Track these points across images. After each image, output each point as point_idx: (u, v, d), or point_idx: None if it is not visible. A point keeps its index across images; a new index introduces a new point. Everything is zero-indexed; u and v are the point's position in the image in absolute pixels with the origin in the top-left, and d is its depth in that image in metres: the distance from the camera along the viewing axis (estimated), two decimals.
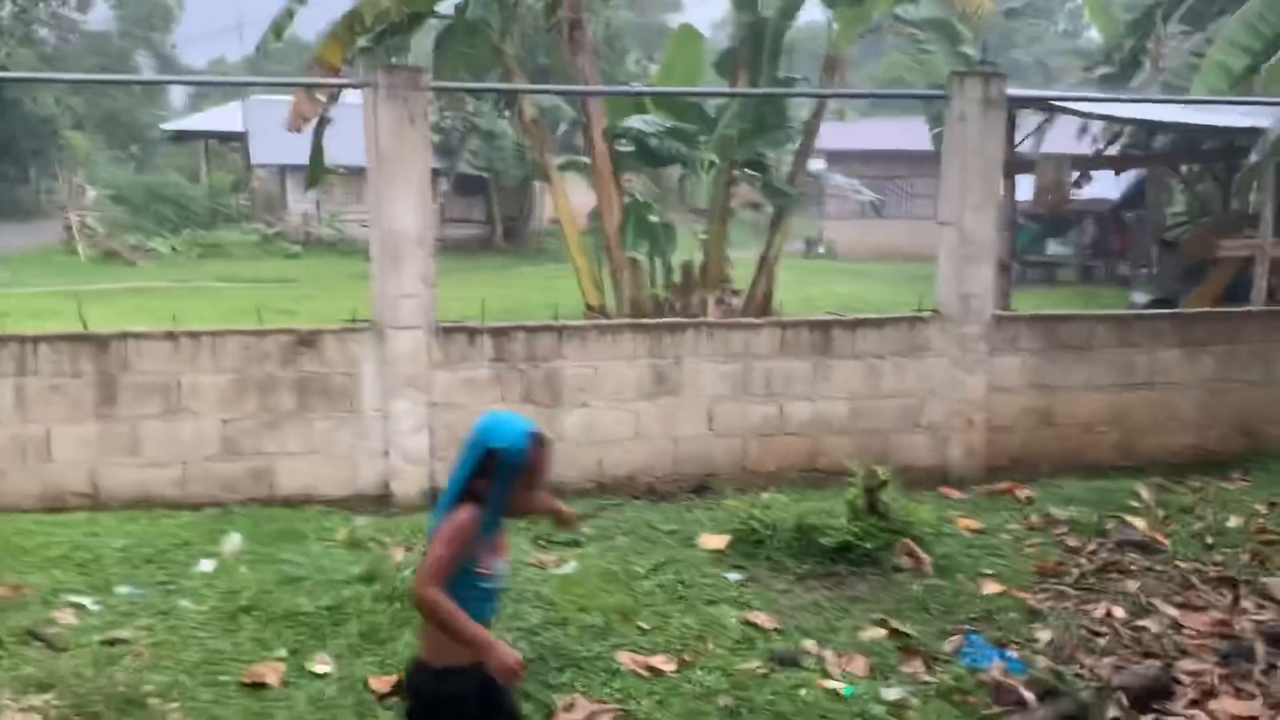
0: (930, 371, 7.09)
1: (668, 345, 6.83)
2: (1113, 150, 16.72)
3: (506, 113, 26.76)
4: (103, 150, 43.90)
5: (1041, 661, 4.30)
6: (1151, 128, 13.88)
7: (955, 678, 4.17)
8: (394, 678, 4.11)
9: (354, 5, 10.12)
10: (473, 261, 24.04)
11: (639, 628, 4.60)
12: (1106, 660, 4.31)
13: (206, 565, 5.28)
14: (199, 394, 6.29)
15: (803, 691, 4.06)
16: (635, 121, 11.74)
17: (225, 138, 33.90)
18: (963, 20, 12.10)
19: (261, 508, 6.25)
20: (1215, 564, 5.40)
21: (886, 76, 37.48)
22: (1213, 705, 3.96)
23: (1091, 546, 5.67)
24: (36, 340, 6.17)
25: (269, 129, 24.58)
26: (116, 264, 23.43)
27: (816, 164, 25.86)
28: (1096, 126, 16.71)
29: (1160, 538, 5.75)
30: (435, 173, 27.12)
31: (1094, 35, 25.62)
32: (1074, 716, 3.93)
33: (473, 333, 6.61)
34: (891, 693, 4.08)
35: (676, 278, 12.62)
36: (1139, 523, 5.95)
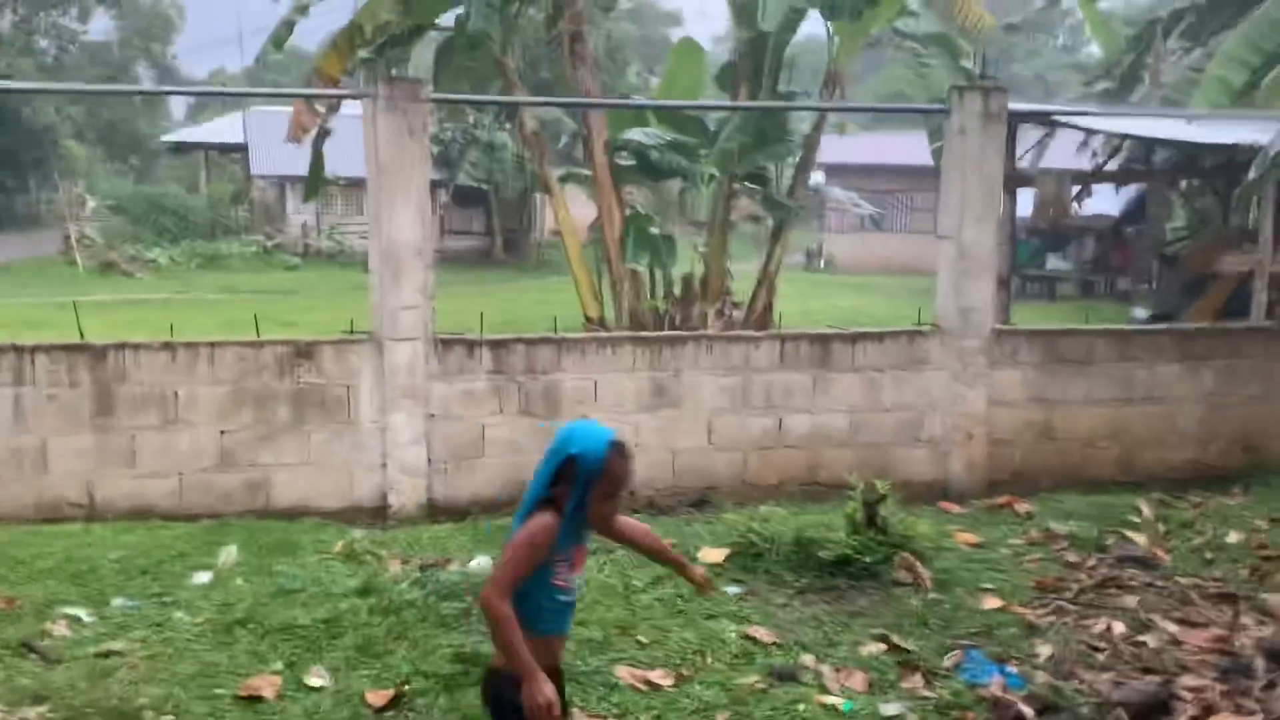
0: (930, 385, 7.08)
1: (667, 358, 6.82)
2: (1113, 165, 16.74)
3: (507, 125, 26.84)
4: (103, 161, 43.99)
5: (1041, 677, 4.28)
6: (1151, 143, 13.90)
7: (954, 693, 4.14)
8: (390, 691, 4.09)
9: (354, 17, 10.15)
10: (472, 273, 24.07)
11: (637, 642, 4.58)
12: (1106, 676, 4.29)
13: (202, 577, 5.26)
14: (196, 405, 6.28)
15: (801, 707, 4.04)
16: (636, 134, 11.75)
17: (225, 149, 34.02)
18: (963, 35, 12.13)
19: (258, 520, 6.23)
20: (1215, 580, 5.38)
21: (887, 91, 37.60)
22: None
23: (1091, 562, 5.64)
24: (34, 350, 6.16)
25: (269, 140, 24.69)
26: (114, 275, 23.45)
27: (817, 177, 25.92)
28: (1097, 141, 16.73)
29: (1160, 553, 5.73)
30: (435, 184, 27.25)
31: (1094, 50, 25.74)
32: None
33: (471, 345, 6.60)
34: (890, 708, 4.05)
35: (677, 290, 12.62)
36: (1139, 538, 5.93)
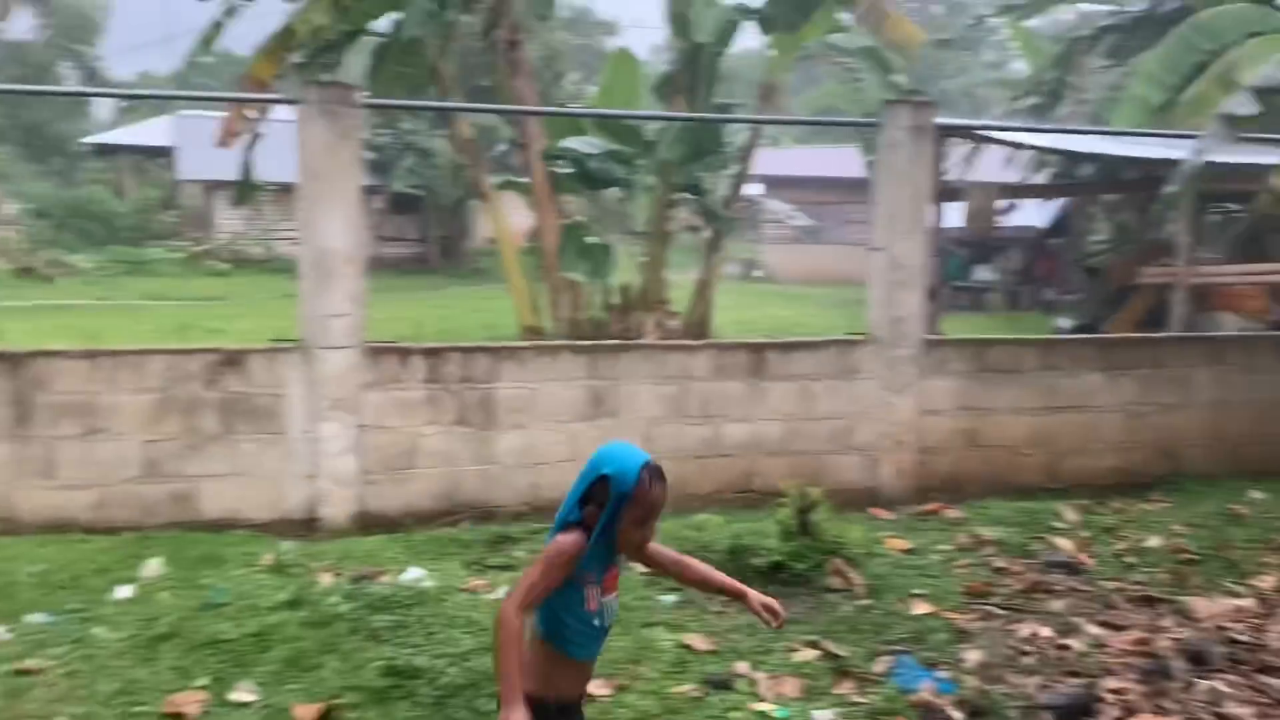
0: (862, 394, 7.17)
1: (605, 367, 6.82)
2: (1039, 179, 17.17)
3: (443, 131, 26.64)
4: (24, 163, 42.67)
5: (970, 681, 4.35)
6: (1076, 157, 14.29)
7: (886, 698, 4.19)
8: (320, 705, 4.02)
9: (287, 21, 10.01)
10: (407, 281, 23.83)
11: None
12: (1033, 680, 4.38)
13: (124, 591, 5.11)
14: (119, 415, 6.11)
15: (735, 715, 4.05)
16: (574, 143, 11.75)
17: (152, 152, 33.23)
18: (894, 50, 12.36)
19: (184, 532, 6.08)
20: (1137, 583, 5.52)
21: (821, 104, 38.08)
22: None
23: (1018, 567, 5.76)
24: None
25: (197, 144, 24.13)
26: (33, 280, 22.77)
27: (754, 189, 26.14)
28: (1023, 156, 17.14)
29: (1084, 558, 5.87)
30: (369, 190, 26.92)
31: (1020, 66, 26.35)
32: None
33: (405, 353, 6.53)
34: (823, 715, 4.09)
35: (615, 300, 12.63)
36: (1064, 543, 6.07)
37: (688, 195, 12.71)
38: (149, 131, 33.58)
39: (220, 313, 17.73)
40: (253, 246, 28.87)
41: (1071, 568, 5.71)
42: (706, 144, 11.62)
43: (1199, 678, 4.40)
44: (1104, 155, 12.38)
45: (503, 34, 11.71)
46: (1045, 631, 4.86)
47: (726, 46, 11.97)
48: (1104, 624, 4.99)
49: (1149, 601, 5.27)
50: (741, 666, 4.47)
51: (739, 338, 7.77)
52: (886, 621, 4.97)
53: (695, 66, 11.90)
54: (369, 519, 6.43)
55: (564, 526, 2.67)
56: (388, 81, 11.35)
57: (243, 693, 4.14)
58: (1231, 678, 4.41)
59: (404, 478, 6.52)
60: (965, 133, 13.78)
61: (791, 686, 4.30)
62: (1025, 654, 4.65)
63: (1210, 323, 12.22)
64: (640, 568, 3.02)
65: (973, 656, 4.60)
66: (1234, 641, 4.76)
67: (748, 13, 11.82)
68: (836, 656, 4.57)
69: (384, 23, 11.47)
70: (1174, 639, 4.77)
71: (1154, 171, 11.32)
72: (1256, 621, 5.02)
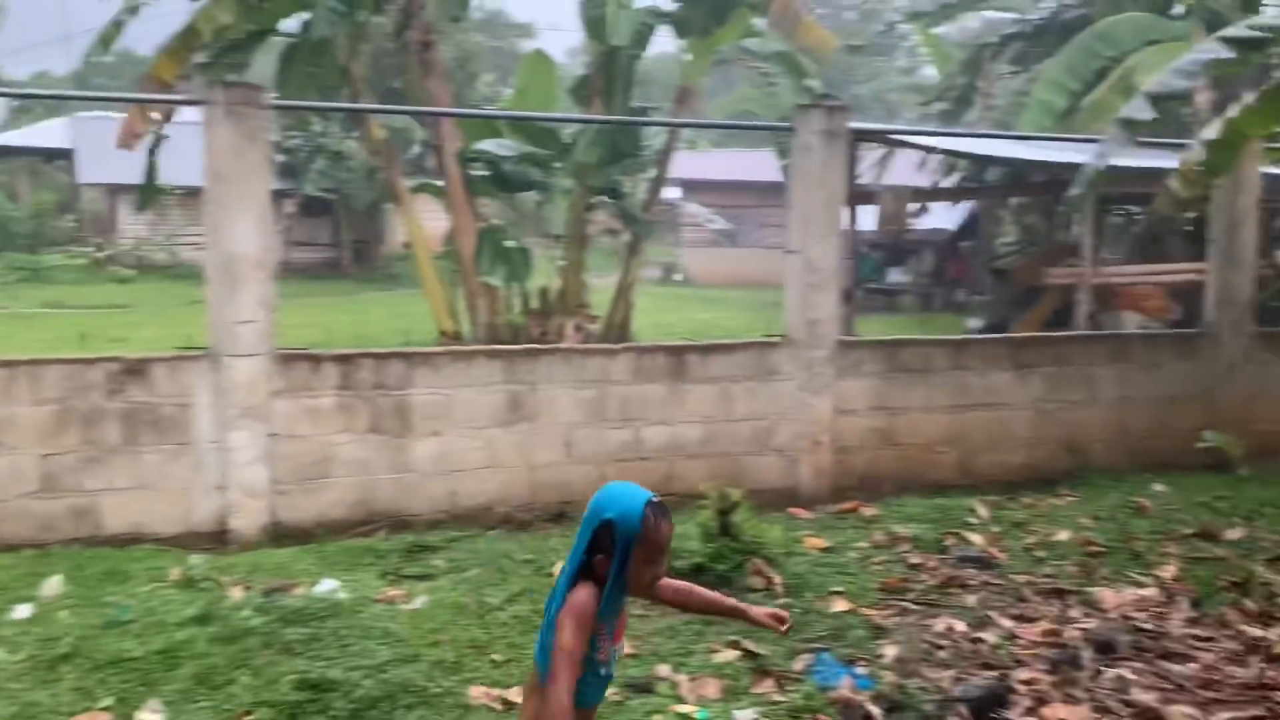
0: (780, 395, 7.24)
1: (524, 372, 6.76)
2: (949, 183, 17.57)
3: (355, 133, 26.21)
4: None
5: (888, 677, 4.41)
6: (984, 161, 14.65)
7: (806, 696, 4.22)
8: None
9: (190, 20, 9.73)
10: (319, 286, 23.38)
11: (492, 661, 4.50)
12: (948, 673, 4.45)
13: (22, 611, 4.90)
14: (15, 427, 5.86)
15: (656, 718, 4.04)
16: (489, 145, 11.65)
17: (50, 155, 32.03)
18: (807, 55, 12.53)
19: (86, 548, 5.85)
20: (1046, 576, 5.66)
21: (737, 108, 38.44)
22: (1045, 712, 4.13)
23: (933, 563, 5.87)
24: None
25: (98, 147, 23.35)
26: None
27: (672, 192, 26.24)
28: (934, 160, 17.52)
29: (996, 552, 6.00)
30: (279, 194, 26.37)
31: (930, 72, 26.97)
32: None
33: (317, 360, 6.39)
34: (744, 715, 4.10)
35: (533, 304, 12.55)
36: (976, 538, 6.20)
37: (606, 198, 12.71)
38: (45, 133, 32.35)
39: (124, 320, 17.19)
40: (158, 252, 28.05)
41: (984, 562, 5.83)
42: (624, 147, 11.63)
43: (1106, 666, 4.53)
44: (1011, 159, 12.71)
45: (414, 35, 11.55)
46: (959, 625, 4.95)
47: (643, 50, 12.00)
48: (1016, 616, 5.11)
49: (1058, 593, 5.41)
50: (663, 669, 4.46)
51: (659, 341, 7.79)
52: (806, 620, 5.01)
53: (611, 70, 11.90)
54: (281, 530, 6.27)
55: (573, 580, 2.58)
56: (297, 82, 11.11)
57: (149, 712, 3.99)
58: (1137, 665, 4.55)
59: (317, 487, 6.38)
60: (878, 137, 14.01)
61: (713, 688, 4.31)
62: (940, 648, 4.73)
63: (1113, 322, 12.63)
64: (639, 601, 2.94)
65: (890, 652, 4.66)
66: (1139, 630, 4.92)
67: (662, 17, 11.87)
68: (757, 656, 4.60)
69: (293, 23, 11.23)
70: (1082, 629, 4.91)
71: (1059, 175, 11.66)
72: (1159, 610, 5.19)
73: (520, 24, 49.66)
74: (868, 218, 13.64)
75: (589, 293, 12.92)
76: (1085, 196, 7.92)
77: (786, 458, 7.27)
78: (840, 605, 5.21)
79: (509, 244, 11.65)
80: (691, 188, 29.56)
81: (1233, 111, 6.44)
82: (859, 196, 12.02)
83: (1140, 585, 5.50)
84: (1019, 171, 14.39)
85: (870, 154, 16.59)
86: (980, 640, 4.80)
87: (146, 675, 4.25)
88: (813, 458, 7.27)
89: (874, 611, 5.17)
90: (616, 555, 2.55)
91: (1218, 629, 4.99)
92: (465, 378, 6.64)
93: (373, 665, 4.26)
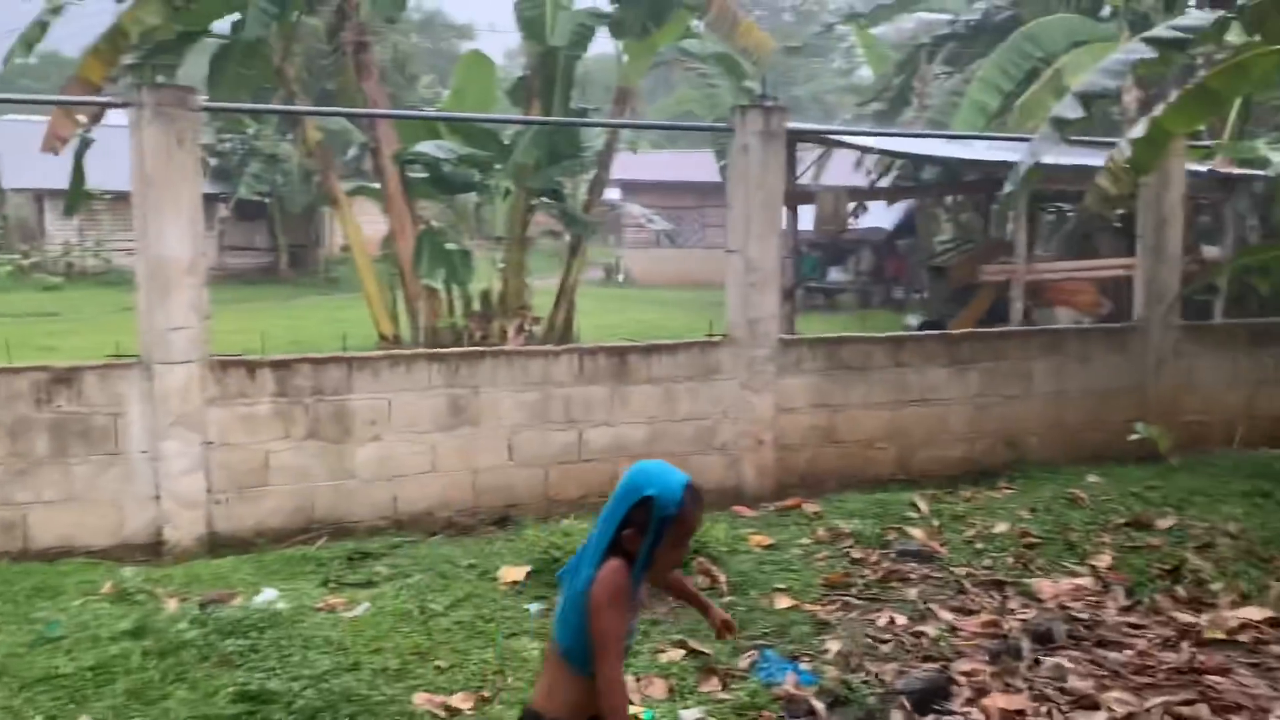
0: (722, 394, 7.27)
1: (465, 375, 6.70)
2: (886, 182, 17.79)
3: (289, 136, 25.82)
4: None
5: (831, 672, 4.44)
6: (920, 161, 14.85)
7: (750, 693, 4.24)
8: None
9: (117, 20, 9.50)
10: (255, 291, 23.02)
11: (436, 667, 4.45)
12: (890, 666, 4.50)
13: None
14: None
15: None
16: (428, 147, 11.56)
17: None
18: (745, 56, 12.61)
19: (14, 563, 5.69)
20: (985, 568, 5.75)
21: (677, 109, 38.55)
22: (985, 702, 4.20)
23: (874, 557, 5.92)
24: None
25: (23, 151, 22.71)
26: None
27: (613, 194, 26.22)
28: (871, 159, 17.73)
29: (936, 546, 6.08)
30: (213, 198, 25.91)
31: (866, 73, 27.30)
32: None
33: (252, 366, 6.27)
34: (690, 714, 4.10)
35: (474, 306, 12.47)
36: (917, 532, 6.27)
37: (546, 200, 12.67)
38: None
39: (52, 329, 16.75)
40: (87, 258, 27.38)
41: (924, 556, 5.91)
42: (563, 148, 11.61)
43: (1045, 655, 4.61)
44: (946, 158, 12.90)
45: (349, 36, 11.42)
46: (901, 619, 5.01)
47: (582, 51, 11.99)
48: (956, 609, 5.18)
49: (997, 585, 5.50)
50: None
51: (601, 342, 7.77)
52: (750, 617, 5.03)
53: (550, 71, 11.88)
54: (218, 540, 6.14)
55: (603, 556, 2.53)
56: (230, 84, 10.92)
57: None
58: (1074, 653, 4.65)
59: (254, 496, 6.26)
60: (815, 137, 14.15)
61: (659, 688, 4.31)
62: (883, 642, 4.78)
63: (1047, 317, 12.88)
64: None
65: (833, 647, 4.70)
66: (1075, 619, 5.02)
67: (600, 18, 11.87)
68: (702, 655, 4.61)
69: (224, 24, 11.03)
70: (1021, 620, 4.99)
71: (993, 173, 11.86)
72: (1094, 599, 5.30)
73: (458, 25, 49.36)
74: (807, 217, 13.75)
75: (530, 294, 12.87)
76: (1018, 194, 8.07)
77: (729, 456, 7.30)
78: (784, 602, 5.24)
79: (449, 246, 11.57)
80: (632, 189, 29.59)
81: (1158, 110, 6.61)
82: (798, 196, 12.12)
83: (1076, 575, 5.62)
84: (954, 170, 14.61)
85: (808, 154, 16.75)
86: (922, 633, 4.86)
87: (77, 692, 4.14)
88: (755, 456, 7.30)
89: (817, 607, 5.21)
90: (650, 532, 2.51)
91: (1150, 616, 5.12)
92: (406, 382, 6.57)
93: (314, 675, 4.19)
